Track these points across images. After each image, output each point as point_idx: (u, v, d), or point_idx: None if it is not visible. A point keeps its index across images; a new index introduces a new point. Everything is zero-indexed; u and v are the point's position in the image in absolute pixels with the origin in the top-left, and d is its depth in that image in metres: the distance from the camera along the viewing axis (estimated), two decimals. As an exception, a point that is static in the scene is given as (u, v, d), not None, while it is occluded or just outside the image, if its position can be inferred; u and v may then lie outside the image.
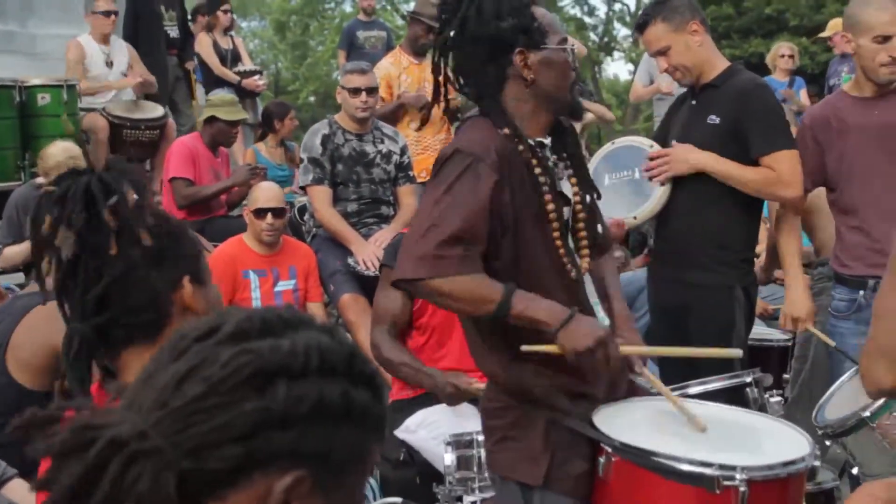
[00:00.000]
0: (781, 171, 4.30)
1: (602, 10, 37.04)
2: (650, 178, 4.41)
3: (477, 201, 2.77)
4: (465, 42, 2.97)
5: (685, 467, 2.74)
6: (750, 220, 4.48)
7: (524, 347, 2.80)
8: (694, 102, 4.50)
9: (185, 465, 1.26)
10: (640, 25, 4.56)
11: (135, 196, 1.99)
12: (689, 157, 4.34)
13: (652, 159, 4.41)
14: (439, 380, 4.04)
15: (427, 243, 2.74)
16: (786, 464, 2.81)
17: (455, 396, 3.98)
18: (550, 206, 2.93)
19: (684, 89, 4.68)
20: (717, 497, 2.70)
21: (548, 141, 3.04)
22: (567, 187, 3.04)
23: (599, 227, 3.18)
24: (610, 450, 2.82)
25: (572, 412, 2.88)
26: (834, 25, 10.59)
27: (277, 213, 5.81)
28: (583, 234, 3.04)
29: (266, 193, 5.91)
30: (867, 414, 3.53)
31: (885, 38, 4.28)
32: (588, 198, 3.09)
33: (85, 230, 1.96)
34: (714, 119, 4.36)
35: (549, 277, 2.93)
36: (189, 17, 10.67)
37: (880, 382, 2.29)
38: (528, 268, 2.89)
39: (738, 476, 2.69)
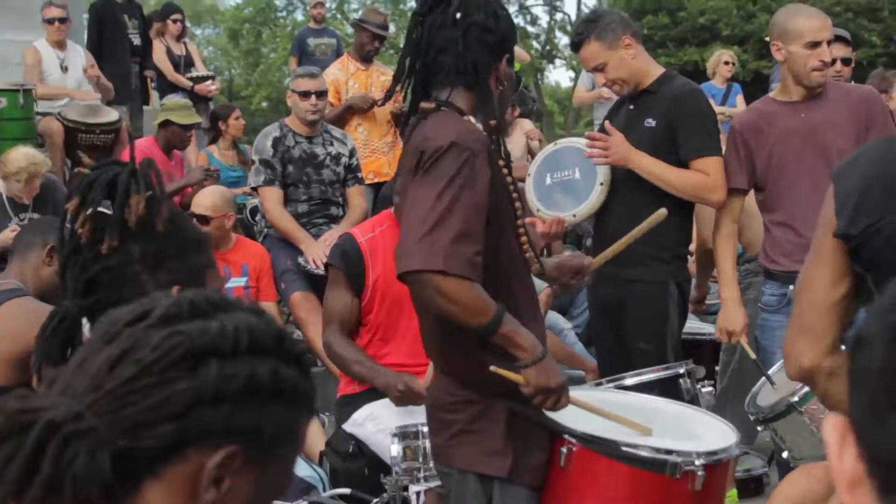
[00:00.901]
0: (711, 175, 4.39)
1: (544, 20, 37.16)
2: (592, 159, 4.46)
3: (478, 198, 2.70)
4: (474, 32, 2.86)
5: (646, 454, 2.82)
6: (682, 219, 4.53)
7: (492, 368, 2.74)
8: (632, 107, 4.57)
9: (120, 443, 1.27)
10: (575, 45, 4.65)
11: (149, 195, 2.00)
12: (630, 155, 4.38)
13: (594, 140, 4.47)
14: (390, 379, 4.02)
15: (440, 238, 2.62)
16: (725, 449, 2.96)
17: (403, 398, 3.94)
18: (517, 202, 2.94)
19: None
20: (676, 481, 2.80)
21: None
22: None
23: None
24: (572, 440, 2.85)
25: (531, 404, 2.85)
26: None
27: (202, 220, 5.70)
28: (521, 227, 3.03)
29: (198, 199, 5.94)
30: (795, 399, 3.59)
31: (815, 44, 4.35)
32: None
33: (100, 217, 1.97)
34: (650, 122, 4.43)
35: (518, 269, 2.92)
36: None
37: (801, 361, 2.28)
38: (504, 260, 2.85)
39: (696, 461, 2.82)
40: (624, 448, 2.84)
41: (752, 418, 3.94)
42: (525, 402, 2.81)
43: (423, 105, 2.87)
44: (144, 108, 10.18)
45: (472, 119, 2.85)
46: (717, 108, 10.10)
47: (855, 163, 2.22)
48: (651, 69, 4.55)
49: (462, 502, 2.88)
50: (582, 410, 2.93)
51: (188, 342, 1.30)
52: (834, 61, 4.54)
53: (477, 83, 2.88)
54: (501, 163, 2.90)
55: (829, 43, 4.37)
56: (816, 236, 2.24)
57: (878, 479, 1.06)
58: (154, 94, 10.46)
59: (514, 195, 2.93)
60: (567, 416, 2.88)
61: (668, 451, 2.84)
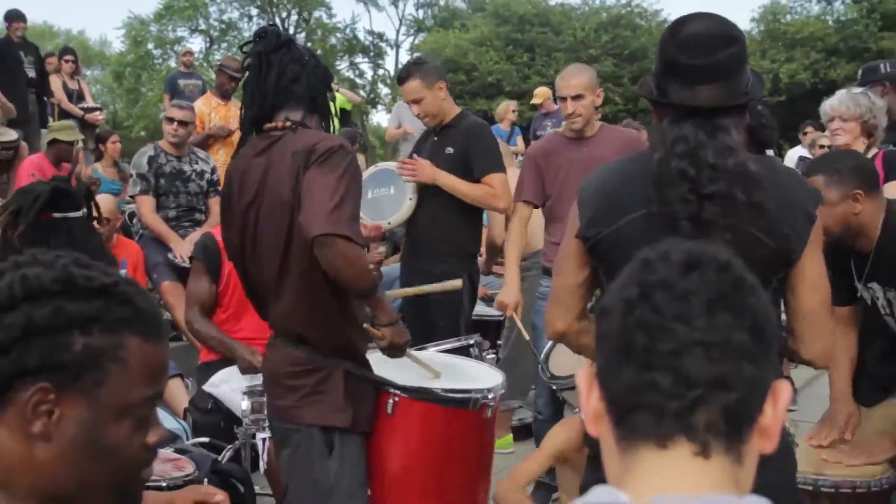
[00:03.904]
0: (495, 187, 4.49)
1: (369, 74, 37.26)
2: (403, 177, 4.55)
3: (359, 191, 2.71)
4: (314, 68, 2.90)
5: (453, 395, 2.95)
6: (474, 224, 4.66)
7: (365, 326, 2.79)
8: (436, 138, 4.66)
9: None
10: (401, 78, 4.68)
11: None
12: (434, 173, 4.49)
13: (406, 163, 4.58)
14: (238, 352, 4.02)
15: (344, 212, 2.59)
16: (501, 384, 3.13)
17: (248, 369, 3.94)
18: None
19: (423, 129, 4.83)
20: (475, 412, 2.94)
21: None
22: None
23: None
24: (397, 391, 2.87)
25: (362, 368, 2.85)
26: (541, 93, 11.11)
27: (101, 221, 5.50)
28: None
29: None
30: None
31: (562, 99, 4.46)
32: None
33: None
34: (450, 150, 4.55)
35: None
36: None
37: (555, 325, 2.33)
38: None
39: (489, 395, 2.98)
40: (438, 392, 2.93)
41: (546, 381, 4.02)
42: (358, 367, 2.81)
43: (280, 124, 2.81)
44: (42, 130, 9.78)
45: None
46: (506, 146, 10.34)
47: (591, 180, 2.27)
48: (452, 109, 4.67)
49: (309, 453, 2.80)
50: (392, 368, 2.97)
51: None
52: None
53: (320, 108, 2.90)
54: None
55: (574, 98, 4.42)
56: (566, 234, 2.29)
57: (613, 414, 1.09)
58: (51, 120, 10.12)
59: None
60: (385, 373, 2.90)
61: (468, 391, 2.96)
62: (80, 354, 1.25)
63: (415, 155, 4.65)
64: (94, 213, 3.27)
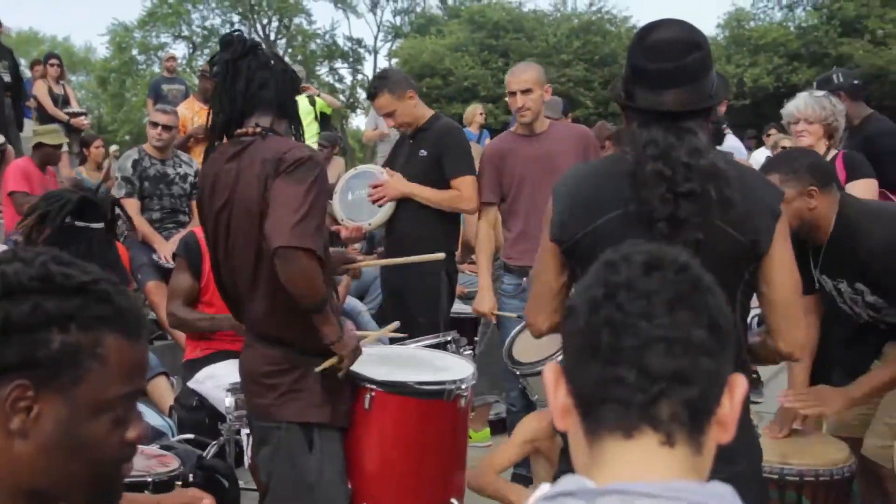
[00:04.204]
0: (464, 191, 4.52)
1: (348, 79, 37.18)
2: (374, 202, 4.56)
3: (325, 202, 2.69)
4: (282, 73, 2.87)
5: (428, 387, 2.91)
6: (451, 224, 4.67)
7: (317, 370, 2.73)
8: (411, 141, 4.67)
9: None
10: (371, 95, 4.67)
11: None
12: (400, 186, 4.53)
13: (375, 187, 4.57)
14: (226, 323, 3.93)
15: (309, 225, 2.57)
16: (472, 375, 3.10)
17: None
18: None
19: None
20: (449, 403, 2.90)
21: None
22: None
23: None
24: (374, 387, 2.86)
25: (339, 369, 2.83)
26: None
27: None
28: None
29: None
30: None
31: (512, 94, 4.47)
32: None
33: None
34: (423, 153, 4.57)
35: (328, 263, 2.85)
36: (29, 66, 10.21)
37: (540, 327, 2.31)
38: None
39: (463, 386, 2.95)
40: (413, 386, 2.91)
41: (516, 372, 4.02)
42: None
43: (250, 130, 2.79)
44: (21, 134, 9.68)
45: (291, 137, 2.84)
46: (475, 147, 10.34)
47: (564, 184, 2.24)
48: (425, 113, 4.67)
49: (290, 449, 2.79)
50: (373, 364, 2.96)
51: None
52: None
53: (289, 112, 2.87)
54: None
55: (523, 92, 4.43)
56: (543, 238, 2.26)
57: (581, 407, 1.10)
58: (28, 122, 10.00)
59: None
60: (364, 369, 2.88)
61: (443, 382, 2.93)
62: (59, 352, 1.23)
63: (387, 168, 4.66)
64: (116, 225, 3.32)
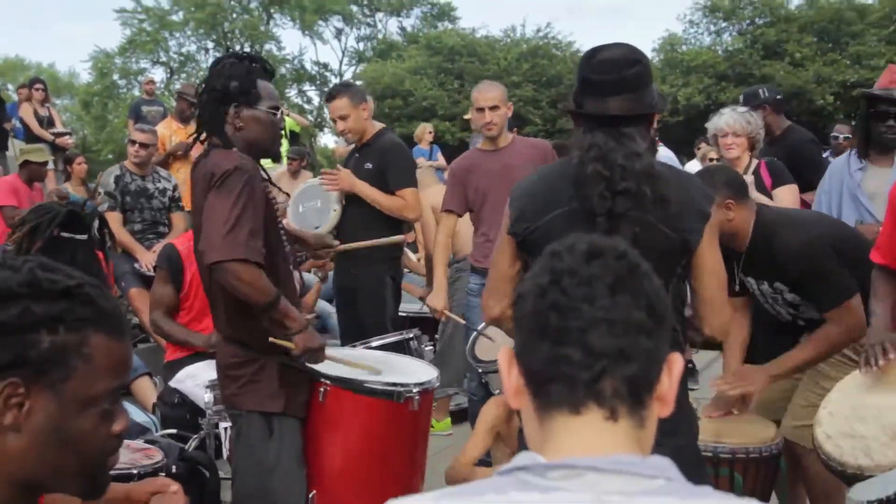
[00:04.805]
0: (408, 200, 4.56)
1: (316, 101, 37.05)
2: (325, 187, 4.62)
3: (258, 206, 2.64)
4: (208, 95, 2.81)
5: (379, 387, 2.83)
6: (394, 231, 4.65)
7: (271, 339, 2.68)
8: (357, 155, 4.72)
9: None
10: (331, 96, 4.69)
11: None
12: (351, 179, 4.58)
13: (328, 177, 4.63)
14: (201, 341, 3.98)
15: (239, 234, 2.54)
16: (429, 380, 3.00)
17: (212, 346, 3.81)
18: (276, 208, 2.87)
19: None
20: (400, 405, 2.82)
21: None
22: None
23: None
24: (327, 381, 2.82)
25: (294, 358, 2.80)
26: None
27: None
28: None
29: None
30: None
31: (480, 110, 4.49)
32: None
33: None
34: (369, 165, 4.63)
35: (282, 261, 2.85)
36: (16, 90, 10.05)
37: (492, 311, 2.36)
38: (272, 253, 2.75)
39: (413, 390, 2.85)
40: (364, 384, 2.84)
41: (473, 364, 4.02)
42: (291, 359, 2.77)
43: (207, 143, 2.82)
44: (7, 153, 9.52)
45: (237, 151, 2.75)
46: (427, 162, 10.52)
47: (520, 184, 2.34)
48: (373, 127, 4.72)
49: (250, 435, 2.79)
50: (333, 362, 2.92)
51: None
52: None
53: (215, 130, 2.80)
54: (266, 182, 2.84)
55: (490, 109, 4.46)
56: (500, 232, 2.35)
57: (531, 386, 1.11)
58: (13, 142, 9.79)
59: (275, 203, 2.87)
60: (322, 366, 2.85)
61: (394, 384, 2.87)
62: (48, 351, 1.23)
63: (338, 165, 4.68)
64: (105, 238, 3.29)
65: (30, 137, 9.69)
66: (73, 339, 1.24)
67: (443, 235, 4.61)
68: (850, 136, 7.43)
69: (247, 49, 35.23)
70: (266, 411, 2.77)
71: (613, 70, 2.14)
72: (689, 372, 6.26)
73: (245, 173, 2.64)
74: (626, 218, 2.08)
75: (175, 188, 6.31)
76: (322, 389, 2.82)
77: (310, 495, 2.85)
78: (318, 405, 2.84)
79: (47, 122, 9.90)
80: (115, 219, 5.90)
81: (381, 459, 2.89)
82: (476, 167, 4.57)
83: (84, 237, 3.21)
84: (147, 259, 5.74)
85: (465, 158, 4.83)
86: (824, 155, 6.46)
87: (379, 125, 4.81)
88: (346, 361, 2.94)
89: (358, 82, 29.74)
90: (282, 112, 2.92)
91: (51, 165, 7.47)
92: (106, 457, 1.33)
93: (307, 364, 2.76)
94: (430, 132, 11.60)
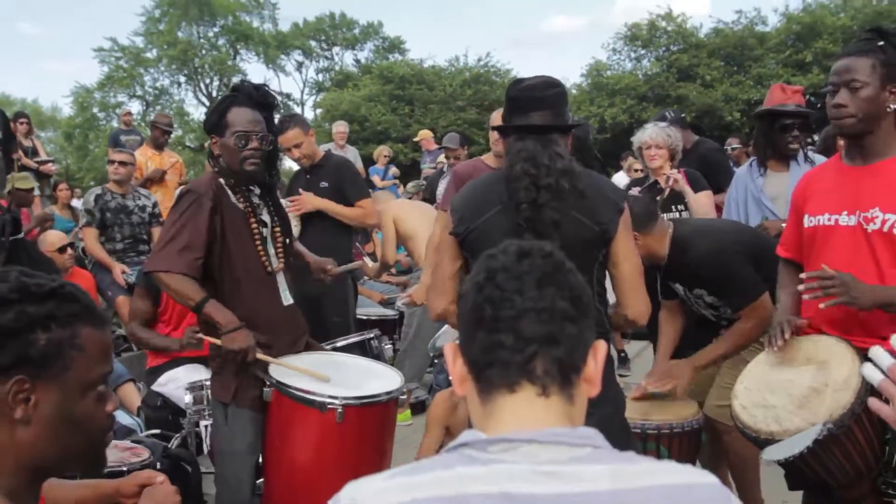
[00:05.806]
0: (367, 209, 4.62)
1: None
2: (293, 213, 4.55)
3: (199, 223, 2.73)
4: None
5: (303, 395, 2.71)
6: (348, 240, 4.74)
7: (203, 336, 2.81)
8: (308, 176, 4.71)
9: None
10: (280, 130, 4.61)
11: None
12: (314, 200, 4.57)
13: (292, 201, 4.60)
14: (173, 343, 3.98)
15: (171, 249, 2.69)
16: (371, 395, 2.75)
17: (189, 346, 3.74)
18: (254, 226, 2.87)
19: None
20: (325, 414, 2.68)
21: (256, 189, 2.93)
22: (266, 216, 2.95)
23: (289, 241, 3.08)
24: (271, 384, 2.77)
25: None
26: (422, 133, 11.23)
27: (62, 249, 5.48)
28: (279, 243, 2.97)
29: (55, 237, 5.56)
30: None
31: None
32: (279, 222, 3.01)
33: None
34: (325, 184, 4.63)
35: (249, 270, 2.85)
36: None
37: (436, 308, 2.39)
38: (230, 264, 2.82)
39: (336, 402, 2.68)
40: (292, 391, 2.71)
41: (436, 359, 4.00)
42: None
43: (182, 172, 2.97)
44: (6, 182, 9.36)
45: (213, 174, 2.88)
46: (381, 182, 10.63)
47: (461, 192, 2.42)
48: (319, 151, 4.74)
49: (215, 420, 2.90)
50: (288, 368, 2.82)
51: None
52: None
53: (209, 157, 2.96)
54: (241, 199, 2.85)
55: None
56: (443, 234, 2.41)
57: (473, 372, 1.13)
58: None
59: (252, 219, 2.86)
60: (278, 370, 2.78)
61: (321, 395, 2.69)
62: (45, 347, 1.25)
63: (300, 190, 4.66)
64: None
65: (17, 167, 9.50)
66: (66, 334, 1.27)
67: (438, 231, 4.61)
68: (738, 145, 8.45)
69: (216, 83, 34.92)
70: (221, 401, 2.84)
71: (535, 91, 2.30)
72: (622, 360, 6.34)
73: (194, 194, 2.76)
74: (547, 207, 2.19)
75: (155, 205, 6.23)
76: (266, 389, 2.79)
77: (258, 482, 2.87)
78: (267, 403, 2.82)
79: (31, 153, 9.69)
80: (91, 234, 5.94)
81: (314, 461, 2.75)
82: (479, 172, 4.58)
83: (21, 235, 3.28)
84: (117, 271, 5.75)
85: (469, 164, 4.81)
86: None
87: (324, 148, 4.86)
88: (299, 369, 2.81)
89: (318, 110, 29.60)
90: (264, 136, 2.86)
91: (37, 192, 7.31)
92: (105, 433, 1.36)
93: (247, 363, 2.74)
94: (386, 155, 11.79)
